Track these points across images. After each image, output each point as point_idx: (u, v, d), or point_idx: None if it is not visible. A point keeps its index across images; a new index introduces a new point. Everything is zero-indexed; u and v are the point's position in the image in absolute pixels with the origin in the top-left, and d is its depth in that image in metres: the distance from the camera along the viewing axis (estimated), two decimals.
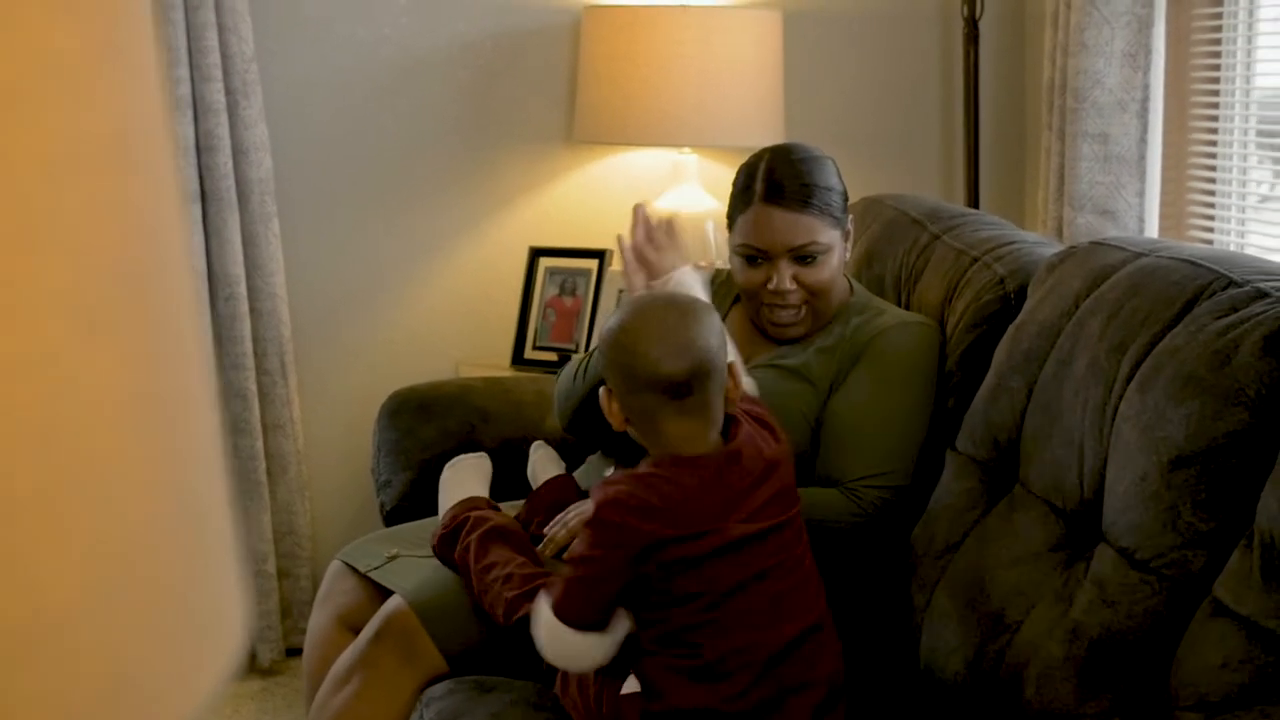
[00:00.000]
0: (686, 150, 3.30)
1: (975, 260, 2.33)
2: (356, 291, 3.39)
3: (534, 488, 2.43)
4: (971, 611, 1.94)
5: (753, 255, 2.27)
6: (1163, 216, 2.96)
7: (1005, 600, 1.89)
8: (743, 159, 2.36)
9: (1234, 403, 1.64)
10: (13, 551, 0.35)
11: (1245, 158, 2.90)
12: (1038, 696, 1.76)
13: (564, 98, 3.41)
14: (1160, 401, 1.73)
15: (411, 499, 2.67)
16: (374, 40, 3.32)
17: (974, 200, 3.43)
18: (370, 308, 3.41)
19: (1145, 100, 2.86)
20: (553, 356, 3.24)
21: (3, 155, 0.35)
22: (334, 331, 3.39)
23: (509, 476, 2.54)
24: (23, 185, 0.35)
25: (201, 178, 3.13)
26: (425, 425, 2.74)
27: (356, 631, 2.26)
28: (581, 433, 2.39)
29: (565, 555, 2.17)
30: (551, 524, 2.23)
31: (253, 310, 3.21)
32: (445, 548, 2.23)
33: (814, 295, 2.27)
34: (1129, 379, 1.81)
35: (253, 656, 3.30)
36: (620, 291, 2.52)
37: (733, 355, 1.94)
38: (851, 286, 2.37)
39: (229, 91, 3.11)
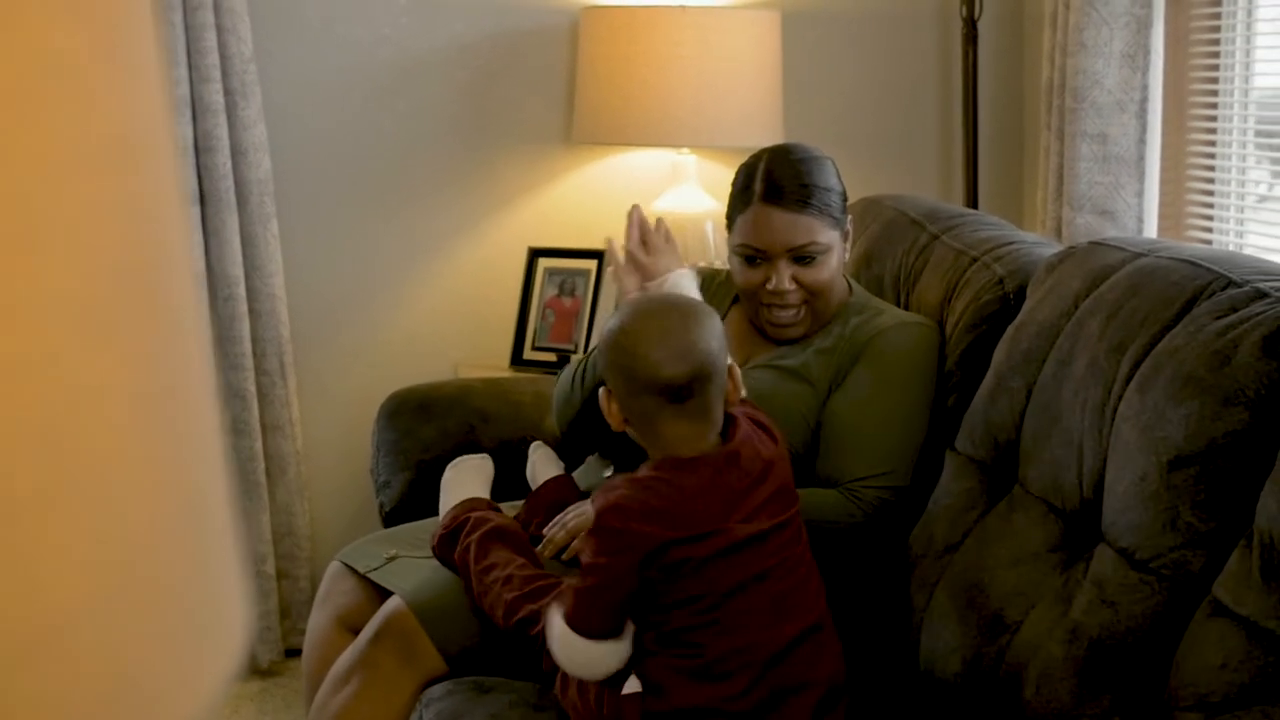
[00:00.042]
0: (685, 151, 3.30)
1: (974, 260, 2.33)
2: (355, 292, 3.39)
3: (533, 488, 2.43)
4: (971, 612, 1.94)
5: (752, 255, 2.27)
6: (1161, 216, 2.96)
7: (1005, 601, 1.89)
8: (741, 159, 2.36)
9: (1233, 403, 1.64)
10: (13, 552, 0.35)
11: (1244, 158, 2.90)
12: (1037, 697, 1.76)
13: (562, 98, 3.41)
14: (1160, 402, 1.73)
15: (410, 500, 2.67)
16: (373, 41, 3.32)
17: (973, 200, 3.43)
18: (369, 308, 3.41)
19: (1144, 100, 2.86)
20: (552, 357, 3.24)
21: (3, 155, 0.35)
22: (333, 332, 3.39)
23: (508, 477, 2.54)
24: (23, 185, 0.35)
25: (200, 178, 3.13)
26: (424, 426, 2.74)
27: (356, 632, 2.26)
28: (579, 439, 2.39)
29: (565, 556, 2.18)
30: (551, 525, 2.23)
31: (251, 311, 3.21)
32: (445, 548, 2.23)
33: (813, 295, 2.27)
34: (1128, 379, 1.81)
35: (252, 657, 3.30)
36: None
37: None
38: (850, 287, 2.37)
39: (228, 92, 3.11)
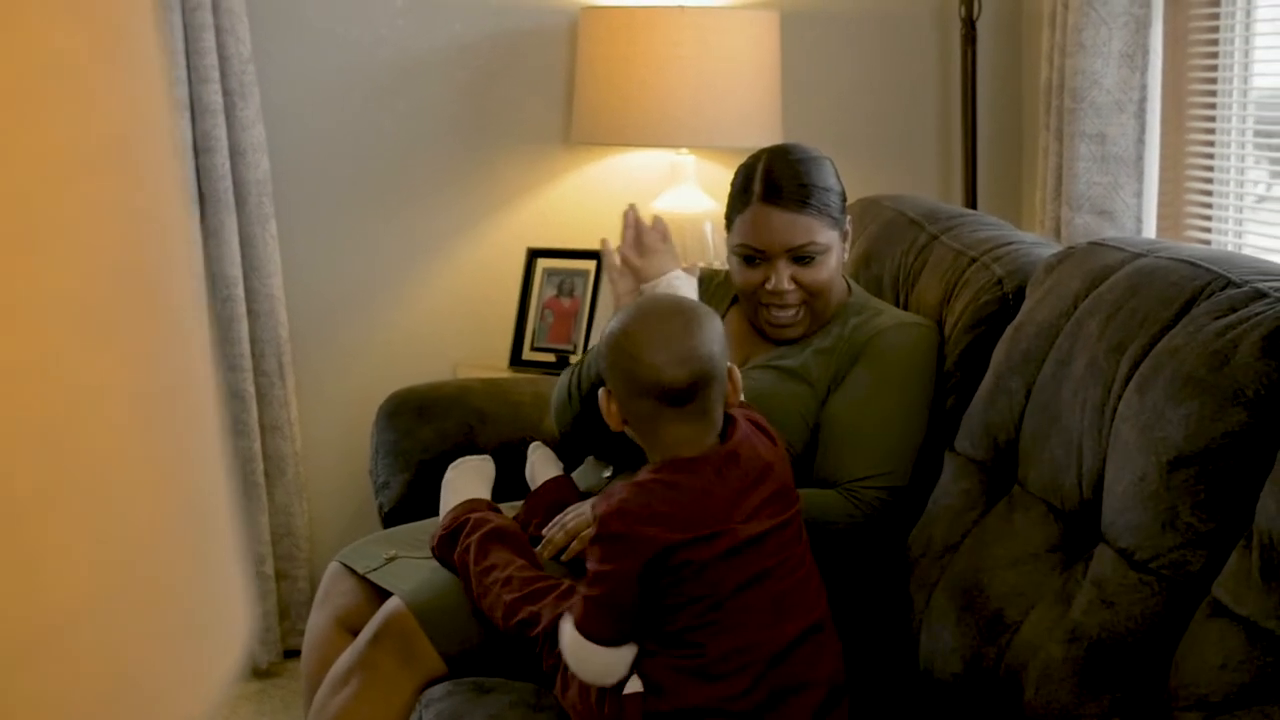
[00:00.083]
0: (684, 151, 3.30)
1: (973, 261, 2.33)
2: (354, 293, 3.39)
3: (532, 489, 2.43)
4: (970, 612, 1.94)
5: (751, 255, 2.27)
6: (1160, 217, 2.96)
7: (1004, 601, 1.89)
8: (740, 160, 2.36)
9: (1233, 403, 1.64)
10: (13, 552, 0.35)
11: (1243, 158, 2.90)
12: (1037, 697, 1.76)
13: (561, 99, 3.41)
14: (1159, 402, 1.73)
15: (410, 500, 2.66)
16: (371, 41, 3.32)
17: (972, 200, 3.43)
18: (368, 309, 3.41)
19: (1143, 100, 2.86)
20: (551, 358, 3.24)
21: (3, 156, 0.35)
22: (332, 333, 3.39)
23: (507, 477, 2.54)
24: (23, 185, 0.35)
25: (199, 179, 3.13)
26: (423, 426, 2.74)
27: (355, 633, 2.25)
28: (578, 439, 2.39)
29: (564, 557, 2.17)
30: (550, 525, 2.23)
31: (250, 312, 3.21)
32: (445, 549, 2.23)
33: (812, 295, 2.27)
34: (1128, 379, 1.81)
35: (250, 658, 3.29)
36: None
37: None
38: (850, 287, 2.37)
39: (226, 93, 3.11)
